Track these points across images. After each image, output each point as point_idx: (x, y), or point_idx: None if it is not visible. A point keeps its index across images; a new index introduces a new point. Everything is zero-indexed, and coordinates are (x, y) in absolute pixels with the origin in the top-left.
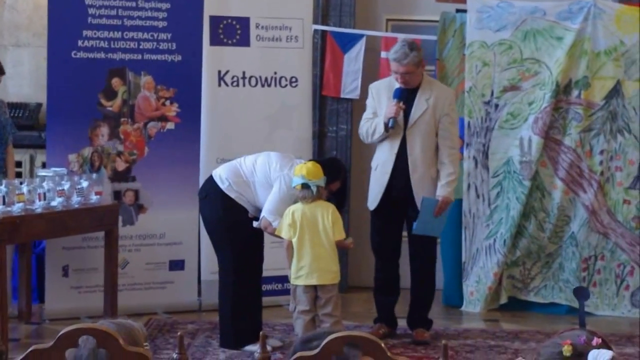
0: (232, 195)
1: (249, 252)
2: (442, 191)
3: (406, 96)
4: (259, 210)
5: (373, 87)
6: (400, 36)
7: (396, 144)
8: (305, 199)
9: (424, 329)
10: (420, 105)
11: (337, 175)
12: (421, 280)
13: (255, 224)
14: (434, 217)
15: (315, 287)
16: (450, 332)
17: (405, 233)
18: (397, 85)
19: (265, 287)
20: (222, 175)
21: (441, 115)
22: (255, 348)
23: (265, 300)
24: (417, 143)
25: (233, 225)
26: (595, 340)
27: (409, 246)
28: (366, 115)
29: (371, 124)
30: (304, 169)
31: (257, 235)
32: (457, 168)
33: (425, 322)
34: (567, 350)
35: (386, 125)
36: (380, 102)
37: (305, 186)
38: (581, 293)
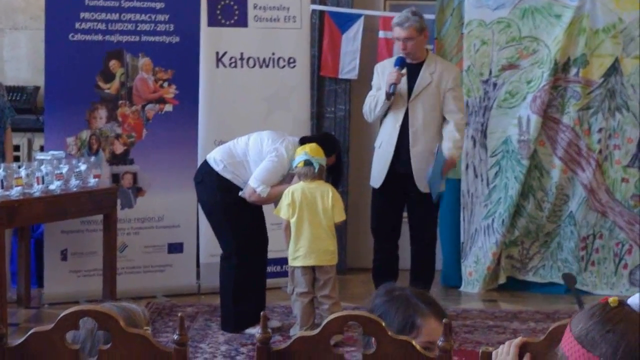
0: (228, 176)
1: (249, 234)
2: (451, 152)
3: (411, 69)
4: None
5: (379, 66)
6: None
7: (399, 117)
8: (307, 176)
9: None
10: (424, 78)
11: (332, 149)
12: (421, 262)
13: (240, 192)
14: (438, 176)
15: (313, 269)
16: (449, 312)
17: (405, 214)
18: (398, 55)
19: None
20: (216, 157)
21: (445, 91)
22: (255, 331)
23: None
24: (419, 115)
25: (231, 207)
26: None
27: (409, 228)
28: (371, 93)
29: (374, 98)
30: (307, 147)
31: (258, 216)
32: (463, 137)
33: None
34: (613, 300)
35: (387, 92)
36: (385, 78)
37: (307, 163)
38: (569, 280)
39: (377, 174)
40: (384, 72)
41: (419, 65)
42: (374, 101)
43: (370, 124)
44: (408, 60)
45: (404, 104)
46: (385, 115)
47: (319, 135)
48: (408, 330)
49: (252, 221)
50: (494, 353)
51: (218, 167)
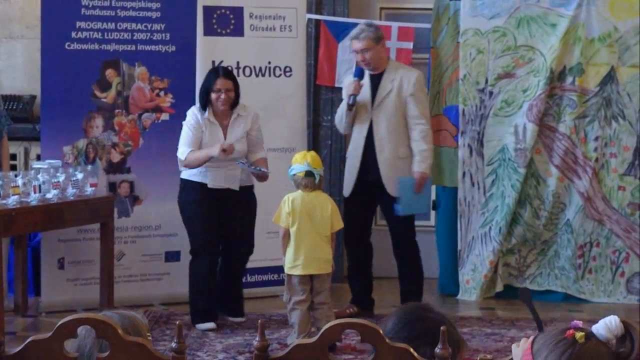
0: (184, 175)
1: (198, 232)
2: (417, 167)
3: (373, 79)
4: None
5: (345, 79)
6: (394, 24)
7: (365, 127)
8: (308, 187)
9: None
10: (385, 86)
11: None
12: (407, 268)
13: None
14: (415, 194)
15: (310, 278)
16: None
17: (384, 222)
18: (354, 67)
19: (261, 278)
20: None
21: (406, 96)
22: (204, 327)
23: (262, 290)
24: (382, 124)
25: (184, 207)
26: (575, 323)
27: (390, 236)
28: (342, 104)
29: (341, 111)
30: (308, 157)
31: (209, 216)
32: (431, 144)
33: None
34: (580, 337)
35: (347, 103)
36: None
37: (308, 174)
38: (524, 295)
39: (347, 183)
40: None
41: (381, 75)
42: (340, 111)
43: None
44: (370, 71)
45: (368, 114)
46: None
47: None
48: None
49: (202, 221)
50: (513, 345)
51: (181, 172)
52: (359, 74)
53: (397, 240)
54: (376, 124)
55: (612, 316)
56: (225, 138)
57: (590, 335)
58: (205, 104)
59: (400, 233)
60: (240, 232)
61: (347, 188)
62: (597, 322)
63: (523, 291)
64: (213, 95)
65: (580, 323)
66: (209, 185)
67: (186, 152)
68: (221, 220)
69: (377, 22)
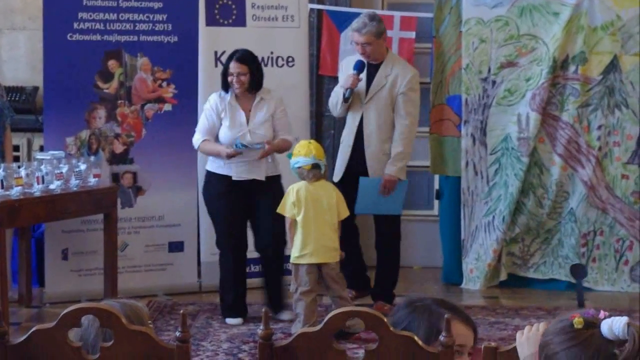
0: (209, 167)
1: (223, 226)
2: (388, 169)
3: (369, 70)
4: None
5: (344, 61)
6: (397, 14)
7: (357, 118)
8: (314, 178)
9: (384, 302)
10: (379, 80)
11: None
12: (384, 257)
13: None
14: (379, 196)
15: (318, 267)
16: None
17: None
18: (357, 59)
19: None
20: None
21: (398, 94)
22: (230, 321)
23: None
24: (372, 118)
25: (208, 200)
26: (603, 313)
27: (374, 224)
28: (336, 88)
29: (336, 95)
30: (312, 149)
31: (234, 209)
32: (408, 147)
33: (387, 297)
34: (578, 322)
35: (343, 95)
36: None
37: (315, 166)
38: (578, 271)
39: (338, 169)
40: (348, 68)
41: (378, 66)
42: (334, 98)
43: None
44: (368, 61)
45: (361, 104)
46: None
47: None
48: (434, 337)
49: (226, 214)
50: (518, 333)
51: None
52: (359, 68)
53: (380, 230)
54: (367, 117)
55: (622, 318)
56: (247, 122)
57: (591, 325)
58: (226, 87)
59: (384, 224)
60: (268, 224)
61: (338, 174)
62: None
63: (576, 267)
64: (229, 79)
65: (592, 312)
66: (233, 178)
67: (199, 140)
68: (250, 212)
69: (379, 11)
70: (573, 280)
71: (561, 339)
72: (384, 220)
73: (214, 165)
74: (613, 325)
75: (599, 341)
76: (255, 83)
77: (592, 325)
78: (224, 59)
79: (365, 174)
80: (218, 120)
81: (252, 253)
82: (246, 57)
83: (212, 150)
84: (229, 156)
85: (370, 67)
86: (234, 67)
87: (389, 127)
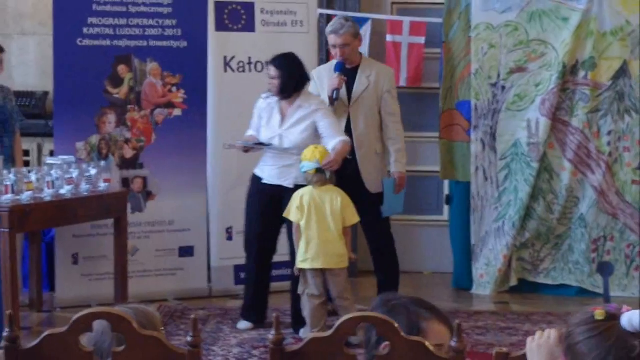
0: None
1: (247, 227)
2: (396, 168)
3: (348, 74)
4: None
5: (315, 72)
6: (406, 19)
7: (343, 122)
8: (318, 183)
9: None
10: (361, 82)
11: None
12: (383, 261)
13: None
14: (394, 195)
15: (323, 272)
16: (461, 314)
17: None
18: (337, 61)
19: (275, 272)
20: None
21: (383, 92)
22: (240, 325)
23: (275, 285)
24: (360, 119)
25: (246, 200)
26: (626, 308)
27: (364, 230)
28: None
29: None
30: (317, 154)
31: (260, 211)
32: (403, 143)
33: None
34: (599, 314)
35: (330, 97)
36: (322, 85)
37: (319, 171)
38: (605, 268)
39: None
40: (321, 78)
41: (355, 70)
42: None
43: None
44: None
45: (345, 109)
46: None
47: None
48: (415, 336)
49: (251, 215)
50: (529, 338)
51: None
52: (341, 69)
53: (372, 235)
54: (354, 119)
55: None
56: (281, 124)
57: (612, 318)
58: None
59: (375, 228)
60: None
61: None
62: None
63: (603, 264)
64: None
65: (614, 305)
66: (263, 181)
67: (245, 134)
68: (278, 218)
69: (389, 17)
70: (583, 286)
71: (582, 330)
72: (375, 224)
73: (258, 166)
74: (633, 318)
75: (619, 333)
76: (285, 88)
77: (613, 317)
78: (233, 64)
79: (358, 176)
80: (259, 119)
81: (278, 257)
82: (278, 61)
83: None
84: (244, 150)
85: (347, 71)
86: (269, 69)
87: (377, 127)
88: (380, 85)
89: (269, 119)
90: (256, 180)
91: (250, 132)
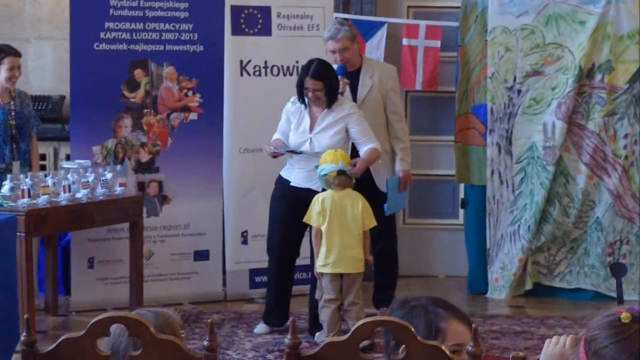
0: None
1: (270, 229)
2: (402, 166)
3: (350, 77)
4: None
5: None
6: (422, 23)
7: None
8: (340, 186)
9: (386, 308)
10: (365, 83)
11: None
12: (385, 260)
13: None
14: (398, 193)
15: (341, 276)
16: (476, 318)
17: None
18: (337, 65)
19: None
20: None
21: (387, 90)
22: (256, 328)
23: (294, 288)
24: (368, 120)
25: (271, 201)
26: (634, 307)
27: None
28: None
29: None
30: (339, 156)
31: (285, 215)
32: (408, 141)
33: (390, 302)
34: (625, 317)
35: None
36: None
37: (341, 173)
38: (618, 269)
39: None
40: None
41: (357, 72)
42: None
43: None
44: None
45: None
46: None
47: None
48: (433, 336)
49: (275, 218)
50: (547, 341)
51: None
52: (343, 73)
53: (378, 234)
54: None
55: None
56: (311, 128)
57: (638, 320)
58: (303, 99)
59: (383, 228)
60: None
61: None
62: None
63: (616, 265)
64: (304, 92)
65: (636, 307)
66: (291, 183)
67: (272, 138)
68: (302, 222)
69: (405, 20)
70: (599, 290)
71: (609, 333)
72: (382, 224)
73: (285, 168)
74: None
75: None
76: (332, 97)
77: (639, 320)
78: (249, 68)
79: (369, 176)
80: (287, 123)
81: (301, 260)
82: (320, 73)
83: (274, 143)
84: (273, 156)
85: (350, 74)
86: (310, 83)
87: (384, 126)
88: (384, 84)
89: (298, 123)
90: (283, 182)
91: (277, 136)
